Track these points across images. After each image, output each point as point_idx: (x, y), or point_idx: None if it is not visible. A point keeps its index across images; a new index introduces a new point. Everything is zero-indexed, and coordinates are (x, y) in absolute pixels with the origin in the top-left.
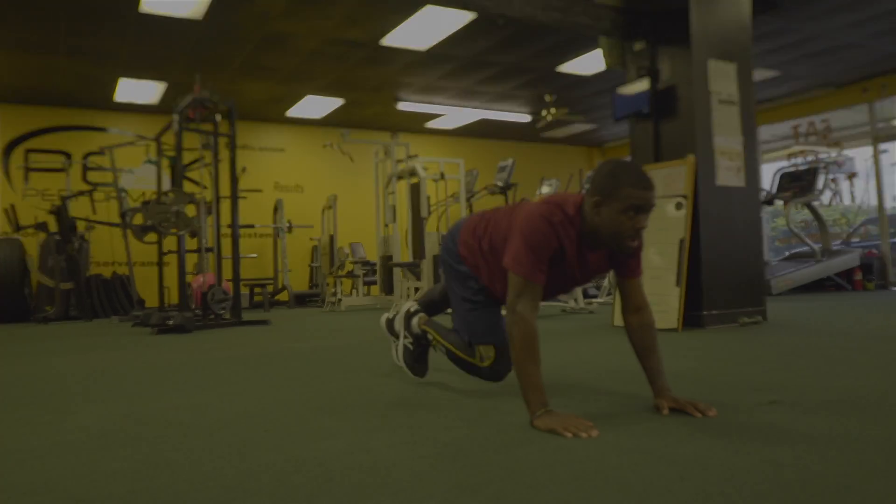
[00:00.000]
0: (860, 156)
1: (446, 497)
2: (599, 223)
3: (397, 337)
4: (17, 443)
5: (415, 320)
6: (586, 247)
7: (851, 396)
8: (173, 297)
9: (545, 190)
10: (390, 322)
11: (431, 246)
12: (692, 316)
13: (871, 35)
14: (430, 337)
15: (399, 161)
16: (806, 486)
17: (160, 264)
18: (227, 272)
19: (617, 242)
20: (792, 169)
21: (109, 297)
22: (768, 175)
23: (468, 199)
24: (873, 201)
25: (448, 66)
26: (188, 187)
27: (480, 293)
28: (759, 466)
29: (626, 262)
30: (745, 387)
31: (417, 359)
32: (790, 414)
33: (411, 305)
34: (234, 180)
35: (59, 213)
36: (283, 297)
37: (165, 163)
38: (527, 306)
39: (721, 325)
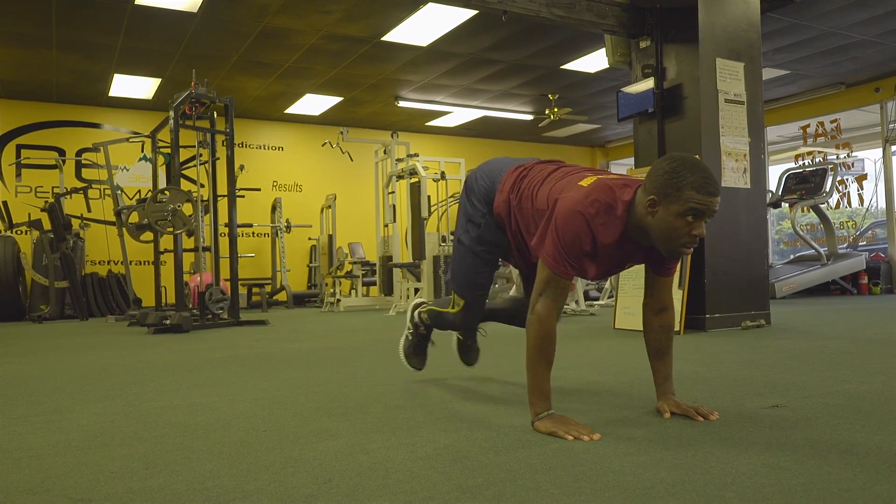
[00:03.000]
0: (870, 158)
1: (446, 499)
2: (652, 224)
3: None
4: (15, 442)
5: (417, 311)
6: (628, 241)
7: (854, 401)
8: (170, 296)
9: None
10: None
11: (432, 246)
12: (694, 319)
13: (884, 33)
14: (423, 315)
15: (399, 160)
16: (808, 490)
17: (157, 263)
18: (225, 272)
19: (669, 248)
20: (799, 170)
21: (105, 296)
22: (775, 176)
23: None
24: (882, 204)
25: (449, 63)
26: (185, 185)
27: (480, 244)
28: (761, 471)
29: (663, 261)
30: (748, 391)
31: (414, 351)
32: (792, 418)
33: (421, 300)
34: (232, 178)
35: (52, 210)
36: (282, 297)
37: (161, 160)
38: (547, 305)
39: (723, 328)
